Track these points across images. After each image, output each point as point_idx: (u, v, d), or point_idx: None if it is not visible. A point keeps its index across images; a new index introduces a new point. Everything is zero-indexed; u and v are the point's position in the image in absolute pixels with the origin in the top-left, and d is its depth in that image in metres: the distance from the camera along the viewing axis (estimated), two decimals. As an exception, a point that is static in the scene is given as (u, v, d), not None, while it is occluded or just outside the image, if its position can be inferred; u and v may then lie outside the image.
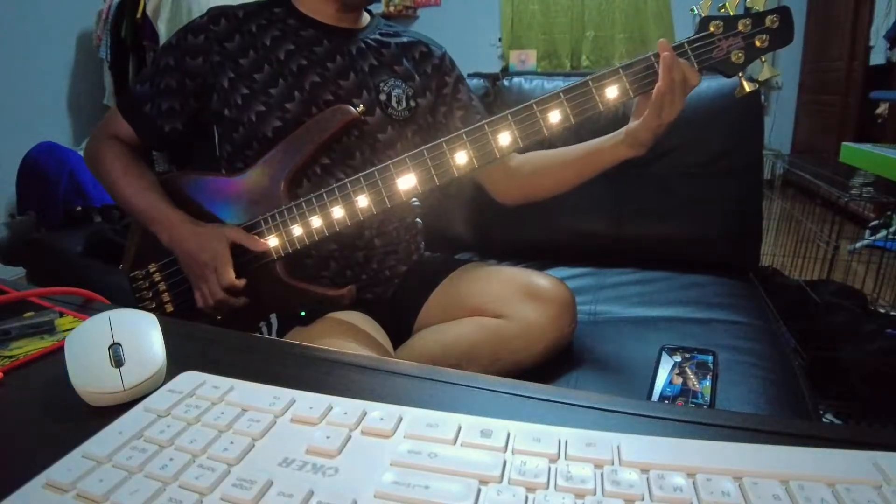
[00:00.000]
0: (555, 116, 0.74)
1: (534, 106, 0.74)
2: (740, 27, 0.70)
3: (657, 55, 0.70)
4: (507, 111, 0.74)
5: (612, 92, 0.72)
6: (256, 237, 0.82)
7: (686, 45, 0.71)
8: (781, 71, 3.83)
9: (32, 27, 2.72)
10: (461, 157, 0.76)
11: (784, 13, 0.70)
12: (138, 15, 2.71)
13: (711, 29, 0.70)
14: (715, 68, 0.72)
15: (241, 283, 0.80)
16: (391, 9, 4.42)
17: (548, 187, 0.95)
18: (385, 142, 0.90)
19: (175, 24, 2.58)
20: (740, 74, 0.72)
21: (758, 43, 0.70)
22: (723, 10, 0.71)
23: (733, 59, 0.71)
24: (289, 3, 0.90)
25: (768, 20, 0.69)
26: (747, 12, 0.70)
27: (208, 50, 0.86)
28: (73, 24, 2.96)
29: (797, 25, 0.70)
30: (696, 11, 0.72)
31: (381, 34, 0.94)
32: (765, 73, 0.74)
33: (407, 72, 0.94)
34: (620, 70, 0.72)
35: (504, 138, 0.75)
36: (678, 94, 0.71)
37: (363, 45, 0.91)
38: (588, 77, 0.72)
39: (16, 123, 2.60)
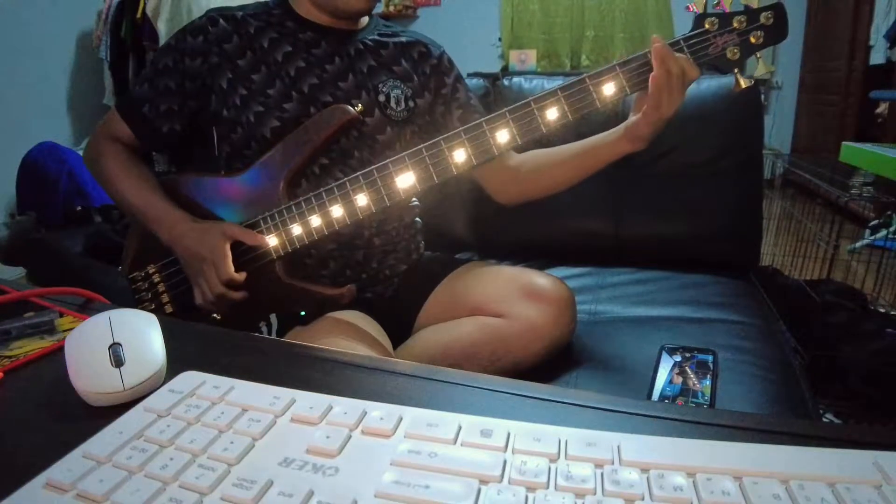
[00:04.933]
0: (552, 114, 0.74)
1: (531, 104, 0.74)
2: (735, 24, 0.70)
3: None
4: (505, 109, 0.74)
5: (609, 89, 0.72)
6: (253, 232, 0.82)
7: (682, 41, 0.71)
8: (777, 68, 3.84)
9: (32, 27, 2.72)
10: (459, 155, 0.76)
11: (778, 10, 0.70)
12: (138, 15, 2.71)
13: (707, 26, 0.71)
14: (711, 65, 0.72)
15: (241, 276, 0.80)
16: (391, 9, 4.42)
17: (545, 186, 0.95)
18: (384, 142, 0.90)
19: (175, 24, 2.58)
20: (736, 70, 0.73)
21: (752, 39, 0.70)
22: (718, 7, 0.71)
23: (728, 55, 0.71)
24: (287, 5, 0.90)
25: (763, 17, 0.70)
26: (742, 9, 0.71)
27: (207, 51, 0.86)
28: (73, 24, 2.96)
29: (797, 25, 0.71)
30: (692, 9, 0.72)
31: (379, 35, 0.94)
32: (760, 70, 0.74)
33: (405, 72, 0.94)
34: (617, 67, 0.72)
35: (502, 136, 0.75)
36: (676, 86, 0.71)
37: (361, 46, 0.91)
38: (585, 74, 0.73)
39: (16, 123, 2.60)
